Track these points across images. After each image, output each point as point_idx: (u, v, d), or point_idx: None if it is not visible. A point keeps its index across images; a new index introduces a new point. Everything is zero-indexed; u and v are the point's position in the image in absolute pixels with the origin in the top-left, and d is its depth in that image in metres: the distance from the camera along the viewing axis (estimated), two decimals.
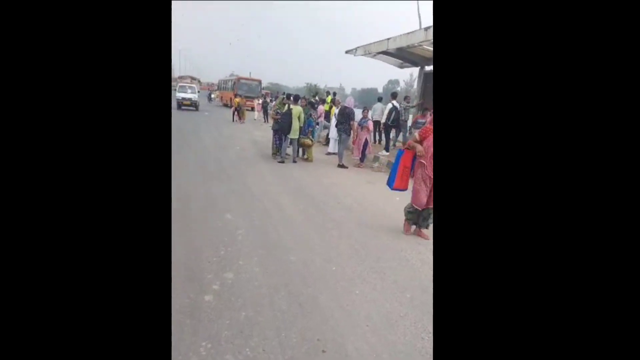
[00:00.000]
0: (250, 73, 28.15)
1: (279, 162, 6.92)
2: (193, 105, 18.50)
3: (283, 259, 2.82)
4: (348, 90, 79.65)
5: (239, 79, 23.46)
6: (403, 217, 3.73)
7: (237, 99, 16.05)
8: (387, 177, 4.00)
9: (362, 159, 7.55)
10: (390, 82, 68.13)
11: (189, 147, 7.62)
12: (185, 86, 19.99)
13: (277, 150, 7.24)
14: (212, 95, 31.37)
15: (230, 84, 24.94)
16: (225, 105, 26.06)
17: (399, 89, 52.98)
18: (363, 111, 7.51)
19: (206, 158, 6.62)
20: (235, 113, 14.99)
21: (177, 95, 18.49)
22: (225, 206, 3.95)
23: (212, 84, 45.11)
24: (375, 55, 9.95)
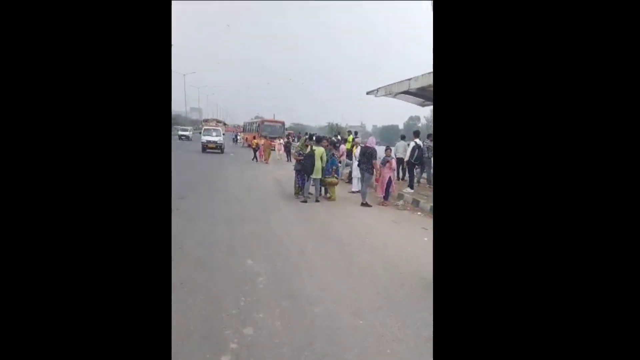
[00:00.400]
0: (274, 115, 29.39)
1: (302, 201, 6.85)
2: (218, 148, 18.76)
3: (306, 312, 2.62)
4: (369, 128, 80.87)
5: (263, 121, 24.38)
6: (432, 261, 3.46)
7: (256, 140, 17.07)
8: (413, 215, 3.78)
9: (386, 197, 7.35)
10: (411, 118, 68.71)
11: (213, 189, 7.73)
12: (210, 129, 20.31)
13: (300, 190, 7.21)
14: (239, 137, 32.68)
15: (255, 125, 25.92)
16: (250, 146, 27.02)
17: (419, 125, 53.19)
18: (386, 150, 7.43)
19: (230, 199, 6.66)
20: (256, 152, 15.62)
21: (202, 138, 19.05)
22: (247, 251, 3.84)
23: (239, 126, 47.24)
24: (396, 95, 10.06)
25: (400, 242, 4.61)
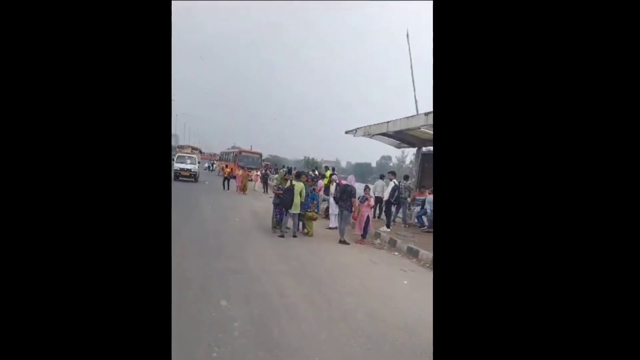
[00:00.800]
0: (251, 146, 29.30)
1: (279, 236, 6.65)
2: (192, 176, 16.89)
3: None
4: (344, 164, 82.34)
5: (241, 151, 24.25)
6: (415, 308, 3.36)
7: (227, 169, 17.27)
8: (390, 255, 3.71)
9: (364, 236, 7.29)
10: (383, 157, 70.94)
11: (187, 219, 7.38)
12: (184, 156, 17.95)
13: (278, 224, 7.01)
14: (214, 165, 32.07)
15: (232, 155, 25.68)
16: (232, 177, 26.56)
17: (391, 164, 54.95)
18: (365, 189, 7.49)
19: (205, 230, 6.35)
20: (226, 182, 15.62)
21: (175, 165, 16.81)
22: (221, 289, 3.58)
23: (214, 154, 46.58)
24: (374, 136, 10.37)
25: (381, 285, 4.49)
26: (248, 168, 18.99)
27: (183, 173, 16.82)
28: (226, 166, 19.66)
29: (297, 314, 3.28)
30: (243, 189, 14.59)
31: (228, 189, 15.24)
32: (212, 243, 5.46)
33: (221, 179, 16.89)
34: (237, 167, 21.62)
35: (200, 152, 23.73)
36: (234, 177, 16.57)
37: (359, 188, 7.68)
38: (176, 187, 13.53)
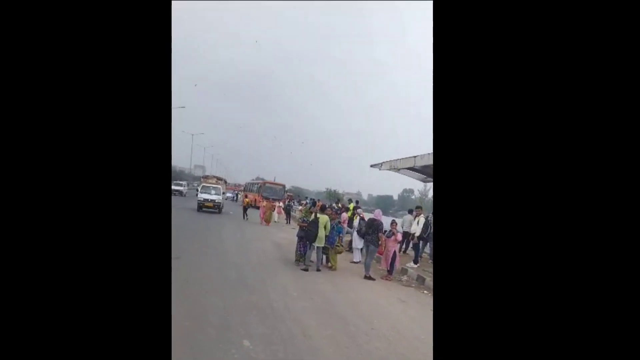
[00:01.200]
0: (275, 178, 29.63)
1: (302, 269, 6.44)
2: (216, 207, 16.21)
3: None
4: (365, 196, 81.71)
5: (265, 183, 24.57)
6: None
7: (247, 199, 17.94)
8: (419, 293, 3.44)
9: (390, 271, 6.95)
10: (405, 190, 69.98)
11: (210, 250, 7.34)
12: (208, 187, 17.42)
13: (301, 257, 6.83)
14: (239, 196, 32.52)
15: (256, 187, 26.05)
16: (250, 205, 26.77)
17: (413, 197, 53.96)
18: (392, 223, 7.25)
19: (227, 263, 6.23)
20: (245, 212, 16.22)
21: (199, 196, 16.52)
22: (243, 328, 3.40)
23: (239, 184, 47.57)
24: (400, 170, 10.21)
25: (411, 327, 4.16)
26: (272, 199, 18.94)
27: (207, 204, 16.15)
28: (245, 196, 20.02)
29: (323, 356, 3.04)
30: (266, 220, 14.37)
31: (247, 218, 15.49)
32: (234, 276, 5.33)
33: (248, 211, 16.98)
34: (261, 198, 21.81)
35: (225, 182, 23.20)
36: (257, 207, 16.58)
37: (386, 222, 7.45)
38: (199, 218, 13.47)
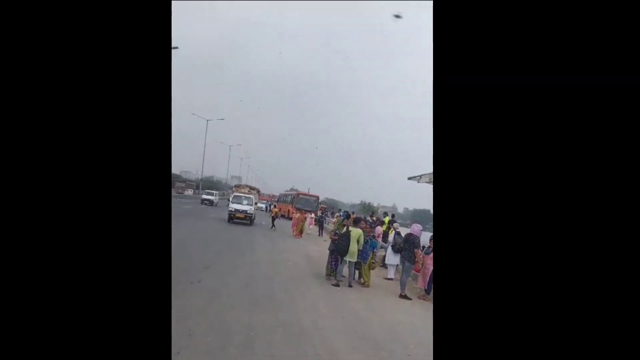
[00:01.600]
0: (309, 189, 29.64)
1: (334, 285, 6.14)
2: (247, 218, 15.48)
3: None
4: (400, 210, 79.54)
5: (299, 194, 24.61)
6: None
7: (275, 209, 17.91)
8: None
9: (427, 291, 6.45)
10: None
11: (240, 261, 7.27)
12: (240, 196, 16.54)
13: (332, 272, 6.53)
14: (271, 207, 32.87)
15: (289, 197, 26.18)
16: (283, 216, 26.87)
17: None
18: (431, 240, 6.78)
19: (256, 276, 6.09)
20: (274, 221, 16.18)
21: (230, 206, 15.85)
22: (267, 348, 3.18)
23: (273, 195, 48.30)
24: None
25: None
26: (305, 210, 18.76)
27: (238, 215, 15.37)
28: (274, 206, 20.23)
29: None
30: (299, 232, 14.12)
31: (274, 228, 15.67)
32: (262, 290, 5.15)
33: (278, 221, 16.97)
34: (294, 209, 21.81)
35: (258, 192, 22.45)
36: (290, 219, 16.48)
37: (424, 237, 6.99)
38: (229, 228, 13.28)
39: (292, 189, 29.46)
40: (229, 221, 15.36)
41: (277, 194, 40.40)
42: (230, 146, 50.91)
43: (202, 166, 40.24)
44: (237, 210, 15.48)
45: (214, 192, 32.49)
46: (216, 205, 28.22)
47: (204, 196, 29.70)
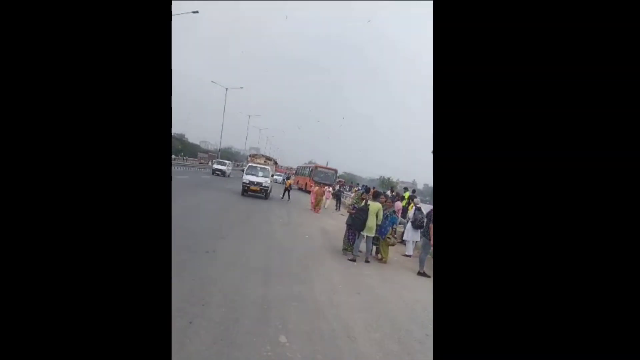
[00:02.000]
0: (327, 162, 29.30)
1: (350, 259, 6.02)
2: (262, 192, 14.08)
3: None
4: (420, 185, 78.42)
5: (317, 166, 24.43)
6: None
7: (289, 181, 17.59)
8: None
9: None
10: None
11: (256, 233, 7.24)
12: (255, 167, 14.97)
13: (349, 246, 6.41)
14: (291, 179, 32.73)
15: (307, 170, 26.06)
16: (301, 189, 26.84)
17: None
18: None
19: (272, 247, 6.04)
20: (286, 192, 16.27)
21: (244, 177, 14.28)
22: (281, 321, 3.09)
23: (291, 168, 48.36)
24: None
25: None
26: (323, 184, 18.48)
27: (252, 187, 13.90)
28: (288, 178, 20.01)
29: None
30: (316, 206, 13.65)
31: (288, 199, 15.88)
32: (277, 263, 5.08)
33: (295, 193, 16.87)
34: (312, 182, 21.75)
35: (276, 163, 19.80)
36: (308, 192, 16.30)
37: None
38: (244, 201, 12.47)
39: (310, 162, 29.28)
40: (242, 194, 14.05)
41: (295, 167, 40.34)
42: (249, 116, 50.49)
43: (221, 136, 39.99)
44: (251, 183, 13.97)
45: (226, 162, 30.26)
46: (229, 176, 27.01)
47: (216, 166, 27.94)
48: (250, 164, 15.50)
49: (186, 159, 41.98)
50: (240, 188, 14.52)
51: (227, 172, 27.30)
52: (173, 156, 44.22)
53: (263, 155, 18.05)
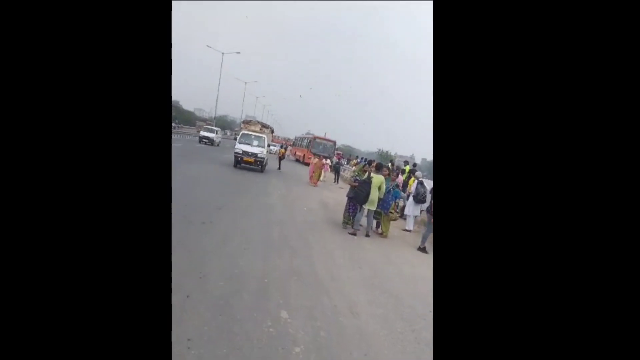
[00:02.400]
0: (325, 133, 28.70)
1: (350, 233, 5.93)
2: (257, 164, 12.42)
3: None
4: (418, 160, 78.28)
5: (315, 137, 24.00)
6: None
7: (282, 150, 17.70)
8: None
9: None
10: None
11: (254, 204, 7.10)
12: (249, 135, 13.14)
13: (349, 220, 6.30)
14: (288, 150, 32.28)
15: (305, 141, 25.67)
16: (298, 161, 26.52)
17: None
18: None
19: (270, 220, 5.90)
20: (280, 162, 16.56)
21: (237, 147, 12.41)
22: (282, 296, 2.99)
23: (288, 139, 47.63)
24: None
25: None
26: (321, 156, 17.98)
27: (246, 159, 12.18)
28: (282, 147, 20.15)
29: (375, 344, 2.53)
30: (315, 179, 13.15)
31: (279, 168, 16.06)
32: (276, 236, 4.96)
33: (293, 165, 16.71)
34: (310, 153, 21.48)
35: (272, 132, 18.43)
36: (305, 164, 16.01)
37: None
38: (238, 172, 11.32)
39: (308, 133, 28.71)
40: (235, 166, 12.44)
41: (292, 138, 39.76)
42: (245, 83, 48.51)
43: (217, 104, 38.73)
44: (245, 153, 12.17)
45: (215, 128, 27.34)
46: (218, 145, 24.80)
47: (203, 133, 25.12)
48: (243, 132, 13.64)
49: (181, 127, 40.84)
50: (230, 159, 13.22)
51: (216, 140, 25.00)
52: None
53: (259, 122, 16.16)
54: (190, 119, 56.29)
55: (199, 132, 31.48)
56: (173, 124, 39.07)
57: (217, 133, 26.01)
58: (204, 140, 24.10)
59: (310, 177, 13.28)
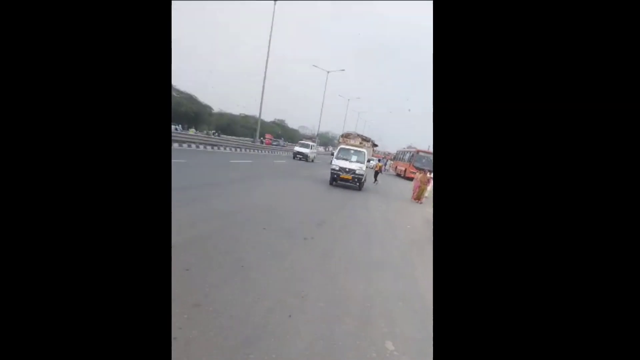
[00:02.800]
0: (429, 146, 27.12)
1: None
2: (355, 180, 11.36)
3: None
4: None
5: (418, 151, 22.96)
6: None
7: (379, 164, 17.72)
8: None
9: None
10: None
11: (351, 220, 7.00)
12: (348, 150, 12.07)
13: None
14: (387, 164, 31.67)
15: (407, 155, 24.80)
16: (399, 175, 25.74)
17: None
18: None
19: (371, 238, 5.69)
20: (377, 175, 16.61)
21: (333, 163, 11.58)
22: (387, 324, 2.74)
23: (389, 153, 47.06)
24: None
25: None
26: (425, 170, 16.69)
27: (342, 176, 11.15)
28: (379, 160, 20.44)
29: None
30: (419, 196, 12.06)
31: (376, 181, 16.14)
32: (378, 254, 4.72)
33: (394, 180, 16.28)
34: (412, 168, 20.62)
35: (373, 145, 17.21)
36: (408, 179, 15.30)
37: None
38: (331, 192, 10.33)
39: (409, 147, 27.69)
40: (330, 183, 11.65)
41: (393, 152, 38.97)
42: (348, 100, 50.64)
43: (320, 121, 40.98)
44: (342, 169, 11.11)
45: (310, 143, 25.65)
46: (312, 161, 23.67)
47: (297, 148, 24.02)
48: (342, 146, 12.36)
49: (286, 144, 44.09)
50: (325, 176, 12.51)
51: (311, 156, 23.45)
52: (277, 140, 46.72)
53: (359, 135, 15.01)
54: (294, 137, 60.84)
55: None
56: (279, 140, 41.94)
57: (311, 148, 24.92)
58: (298, 156, 23.89)
59: (414, 193, 12.38)
